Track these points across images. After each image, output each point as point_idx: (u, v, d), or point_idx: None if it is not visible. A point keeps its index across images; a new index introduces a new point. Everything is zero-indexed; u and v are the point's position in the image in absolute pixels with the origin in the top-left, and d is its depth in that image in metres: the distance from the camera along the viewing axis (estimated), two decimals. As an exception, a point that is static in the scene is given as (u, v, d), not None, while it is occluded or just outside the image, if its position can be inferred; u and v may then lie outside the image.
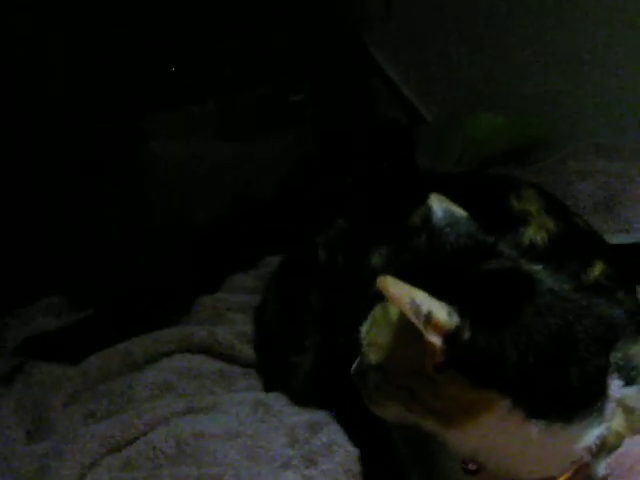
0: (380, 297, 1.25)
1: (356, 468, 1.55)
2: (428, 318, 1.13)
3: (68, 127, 2.26)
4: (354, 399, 1.58)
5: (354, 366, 1.32)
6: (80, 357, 1.92)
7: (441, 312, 1.14)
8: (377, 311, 1.27)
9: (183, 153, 2.42)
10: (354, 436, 1.62)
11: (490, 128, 2.46)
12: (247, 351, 1.93)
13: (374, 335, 1.26)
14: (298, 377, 1.77)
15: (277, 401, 1.77)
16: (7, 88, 2.20)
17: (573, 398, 1.21)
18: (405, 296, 1.14)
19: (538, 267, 1.25)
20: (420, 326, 1.14)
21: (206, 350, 1.93)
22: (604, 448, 1.25)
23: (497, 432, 1.19)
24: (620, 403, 1.25)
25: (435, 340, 1.14)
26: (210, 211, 2.40)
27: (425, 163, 2.43)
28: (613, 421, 1.25)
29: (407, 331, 1.18)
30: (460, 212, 1.30)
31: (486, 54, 2.63)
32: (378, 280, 1.16)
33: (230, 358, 1.93)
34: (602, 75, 2.34)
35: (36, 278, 2.26)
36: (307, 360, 1.75)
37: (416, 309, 1.13)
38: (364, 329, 1.28)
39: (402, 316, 1.18)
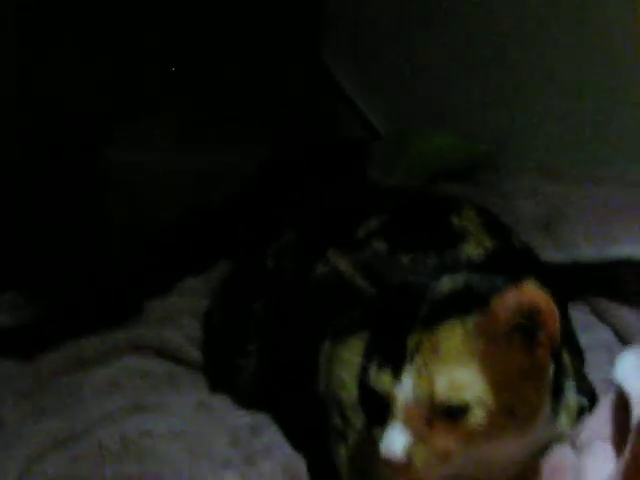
0: None
1: (294, 470, 1.59)
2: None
3: (26, 132, 2.27)
4: (293, 402, 1.64)
5: (400, 445, 1.17)
6: (32, 354, 1.95)
7: None
8: (455, 371, 1.17)
9: (141, 160, 2.44)
10: (293, 439, 1.67)
11: (440, 146, 2.51)
12: (194, 354, 1.96)
13: (481, 388, 1.16)
14: (243, 377, 1.80)
15: (221, 403, 1.80)
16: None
17: (556, 385, 1.26)
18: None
19: None
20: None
21: (154, 351, 1.96)
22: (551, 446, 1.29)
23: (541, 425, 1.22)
24: None
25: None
26: (165, 217, 2.42)
27: (376, 177, 2.47)
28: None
29: (514, 341, 1.18)
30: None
31: (440, 74, 2.67)
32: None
33: (178, 360, 1.95)
34: (551, 99, 2.39)
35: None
36: (251, 363, 1.79)
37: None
38: (446, 391, 1.16)
39: (499, 332, 1.17)
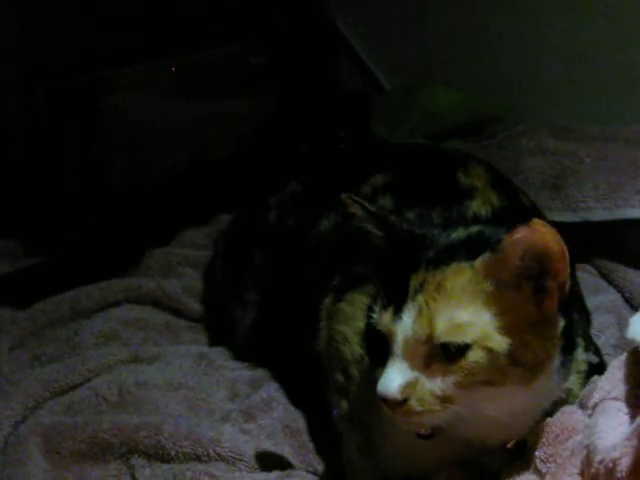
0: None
1: (294, 425, 1.58)
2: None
3: (29, 77, 2.25)
4: (292, 357, 1.63)
5: (397, 383, 1.14)
6: (29, 302, 1.94)
7: None
8: (476, 319, 1.14)
9: (144, 108, 2.42)
10: (292, 395, 1.66)
11: (446, 101, 2.49)
12: (194, 305, 1.95)
13: (481, 330, 1.13)
14: (240, 331, 1.80)
15: (220, 356, 1.80)
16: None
17: (568, 342, 1.23)
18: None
19: None
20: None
21: (153, 302, 1.95)
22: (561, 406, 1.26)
23: (552, 378, 1.20)
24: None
25: None
26: (167, 166, 2.41)
27: (381, 132, 2.45)
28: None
29: (523, 289, 1.16)
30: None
31: (447, 27, 2.64)
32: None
33: (177, 311, 1.95)
34: (559, 56, 2.37)
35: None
36: (248, 316, 1.79)
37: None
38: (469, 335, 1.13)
39: (507, 275, 1.14)
